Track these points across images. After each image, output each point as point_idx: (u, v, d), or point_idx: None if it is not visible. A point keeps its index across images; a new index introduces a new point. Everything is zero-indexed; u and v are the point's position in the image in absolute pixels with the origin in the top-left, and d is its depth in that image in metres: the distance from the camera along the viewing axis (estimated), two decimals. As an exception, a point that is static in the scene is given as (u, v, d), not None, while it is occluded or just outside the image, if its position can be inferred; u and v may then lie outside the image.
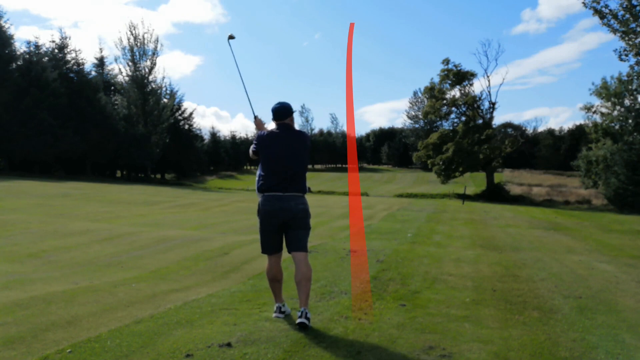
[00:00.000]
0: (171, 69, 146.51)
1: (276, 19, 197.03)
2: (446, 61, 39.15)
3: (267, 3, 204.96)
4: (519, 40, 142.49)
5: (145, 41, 46.20)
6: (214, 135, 72.29)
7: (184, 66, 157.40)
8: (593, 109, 39.15)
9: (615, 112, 35.00)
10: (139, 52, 45.94)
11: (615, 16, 20.35)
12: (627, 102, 33.86)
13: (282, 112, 3.92)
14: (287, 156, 3.79)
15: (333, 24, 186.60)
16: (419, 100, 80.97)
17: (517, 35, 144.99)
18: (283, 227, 3.81)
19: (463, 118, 39.88)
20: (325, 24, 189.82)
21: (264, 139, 3.88)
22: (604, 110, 38.04)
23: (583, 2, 21.09)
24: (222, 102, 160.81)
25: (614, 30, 20.70)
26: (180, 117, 54.30)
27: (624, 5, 19.89)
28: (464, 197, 33.19)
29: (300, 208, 3.79)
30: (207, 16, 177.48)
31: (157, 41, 46.96)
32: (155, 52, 46.74)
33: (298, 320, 3.60)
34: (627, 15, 19.86)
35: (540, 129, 75.08)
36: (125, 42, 45.56)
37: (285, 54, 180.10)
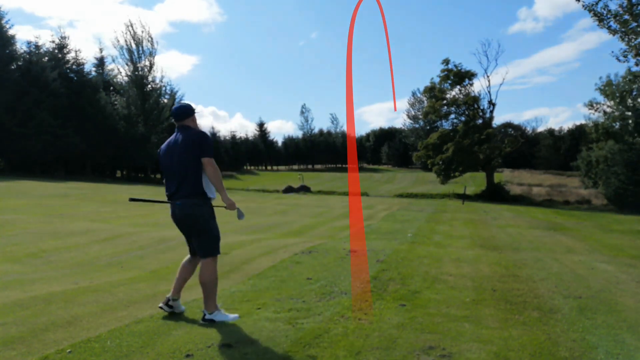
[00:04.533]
0: (168, 68, 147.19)
1: (273, 18, 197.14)
2: (446, 61, 39.19)
3: (264, 2, 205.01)
4: (517, 39, 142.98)
5: (144, 41, 46.25)
6: (213, 135, 72.44)
7: (180, 66, 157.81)
8: (596, 107, 38.94)
9: (617, 113, 34.84)
10: (137, 51, 45.97)
11: (615, 16, 20.23)
12: (629, 101, 33.69)
13: (180, 113, 3.84)
14: (173, 162, 3.73)
15: (330, 24, 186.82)
16: (418, 100, 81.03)
17: (514, 34, 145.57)
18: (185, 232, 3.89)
19: (463, 118, 39.86)
20: (323, 24, 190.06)
21: (160, 149, 3.94)
22: (606, 108, 37.87)
23: (582, 4, 20.97)
24: (220, 101, 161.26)
25: (613, 31, 20.58)
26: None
27: (624, 6, 19.80)
28: (464, 197, 33.18)
29: (185, 213, 3.68)
30: (203, 15, 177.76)
31: (156, 41, 47.08)
32: (153, 52, 46.82)
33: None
34: (627, 16, 19.78)
35: (540, 129, 75.25)
36: (122, 42, 45.65)
37: (284, 54, 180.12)
